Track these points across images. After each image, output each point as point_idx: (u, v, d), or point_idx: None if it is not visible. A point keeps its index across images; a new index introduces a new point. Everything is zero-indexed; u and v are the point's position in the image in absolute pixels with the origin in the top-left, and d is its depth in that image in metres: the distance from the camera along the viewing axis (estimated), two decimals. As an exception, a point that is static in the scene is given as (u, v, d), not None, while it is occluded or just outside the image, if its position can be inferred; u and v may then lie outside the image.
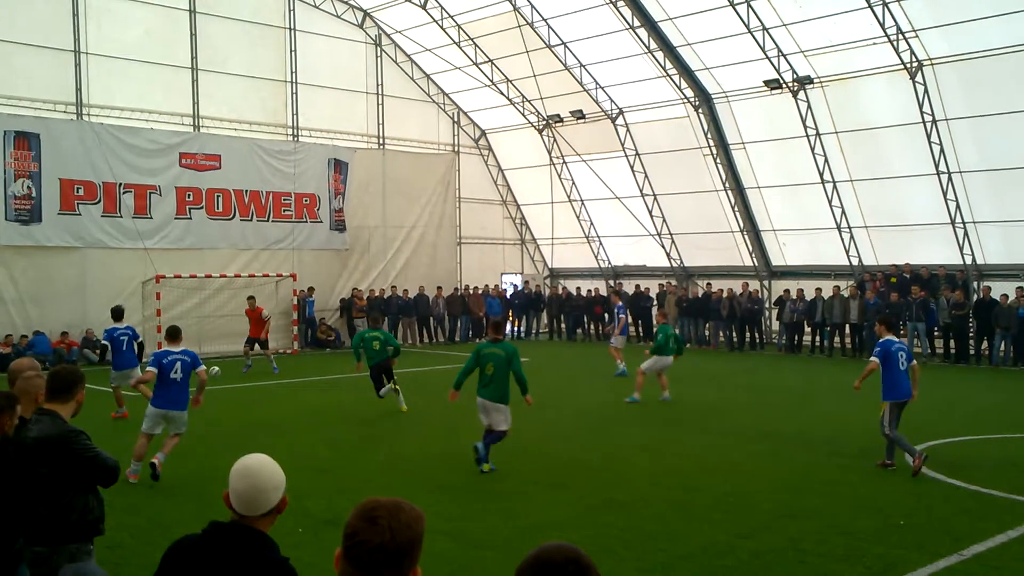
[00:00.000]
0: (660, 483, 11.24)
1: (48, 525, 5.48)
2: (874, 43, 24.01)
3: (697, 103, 28.62)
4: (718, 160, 28.94)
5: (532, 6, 28.97)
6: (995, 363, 23.90)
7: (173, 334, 12.08)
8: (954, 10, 22.50)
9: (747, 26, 25.17)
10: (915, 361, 12.03)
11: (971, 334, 24.76)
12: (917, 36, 23.42)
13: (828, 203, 26.90)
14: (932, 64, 23.74)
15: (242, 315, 27.37)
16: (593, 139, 32.04)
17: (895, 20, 23.25)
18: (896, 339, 12.13)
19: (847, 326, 26.37)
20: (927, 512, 9.84)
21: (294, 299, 28.90)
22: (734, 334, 28.81)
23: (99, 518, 5.73)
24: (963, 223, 24.79)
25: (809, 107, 26.23)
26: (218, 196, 27.69)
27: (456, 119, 34.87)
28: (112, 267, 25.56)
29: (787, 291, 27.79)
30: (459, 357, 26.63)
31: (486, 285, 33.58)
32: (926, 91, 23.89)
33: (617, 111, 31.10)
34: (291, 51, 29.92)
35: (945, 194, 24.54)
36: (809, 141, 26.45)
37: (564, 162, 33.85)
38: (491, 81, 32.65)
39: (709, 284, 30.22)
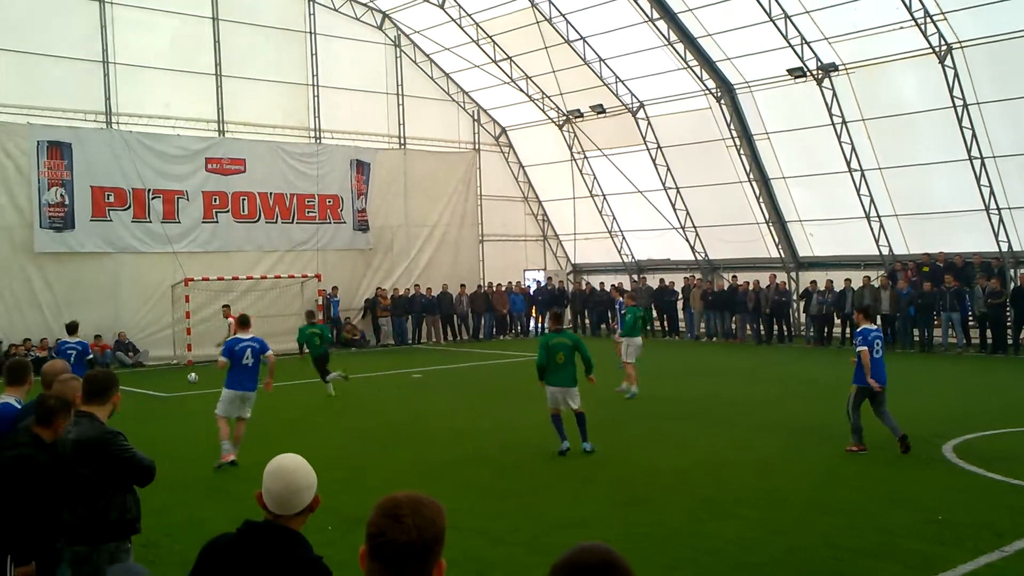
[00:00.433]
0: (686, 478, 11.21)
1: (88, 525, 5.64)
2: (901, 27, 23.61)
3: (719, 94, 28.50)
4: (741, 151, 28.80)
5: (550, 2, 29.00)
6: (1034, 352, 23.42)
7: (244, 322, 12.97)
8: (983, -10, 22.09)
9: (769, 14, 25.04)
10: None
11: (1008, 323, 24.17)
12: (945, 18, 22.97)
13: (856, 192, 26.62)
14: (962, 47, 23.28)
15: (270, 316, 27.69)
16: (614, 133, 31.99)
17: (922, 3, 22.82)
18: (873, 327, 12.59)
19: (878, 317, 26.04)
20: (965, 507, 9.56)
21: (319, 299, 29.14)
22: (761, 327, 28.67)
23: (136, 517, 5.88)
24: (997, 209, 24.26)
25: (834, 95, 26.00)
26: (243, 199, 27.97)
27: (476, 117, 34.96)
28: (142, 271, 25.95)
29: (814, 282, 27.52)
30: (483, 354, 26.80)
31: (509, 282, 33.67)
32: (956, 75, 23.45)
33: (638, 104, 31.05)
34: (312, 55, 30.14)
35: (978, 180, 24.09)
36: (835, 129, 26.23)
37: (585, 157, 33.83)
38: (510, 78, 32.71)
39: (735, 277, 30.09)
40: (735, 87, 28.34)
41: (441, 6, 30.56)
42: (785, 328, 28.49)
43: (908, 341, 25.45)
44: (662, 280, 31.66)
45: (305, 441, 13.90)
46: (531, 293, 34.38)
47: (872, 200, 26.61)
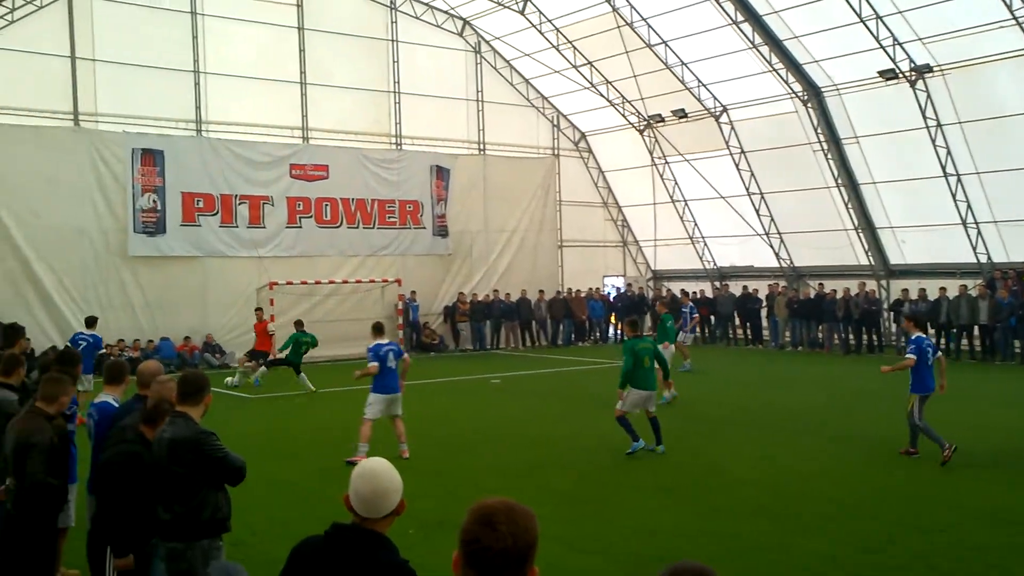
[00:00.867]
0: (770, 490, 10.93)
1: (183, 522, 5.79)
2: (1000, 26, 22.67)
3: (806, 97, 27.89)
4: (829, 156, 28.11)
5: (631, 6, 28.78)
6: None
7: (380, 329, 13.47)
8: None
9: (859, 15, 24.40)
10: (940, 354, 12.84)
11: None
12: (1050, 16, 22.12)
13: (952, 197, 25.62)
14: (1067, 45, 22.32)
15: (351, 320, 28.06)
16: (696, 138, 31.58)
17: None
18: (924, 335, 12.83)
19: (975, 327, 25.11)
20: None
21: (399, 304, 29.37)
22: (850, 336, 27.90)
23: (227, 516, 6.01)
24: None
25: (928, 97, 25.15)
26: (326, 205, 28.39)
27: (556, 122, 34.89)
28: (229, 275, 26.55)
29: (906, 291, 26.65)
30: (561, 360, 26.68)
31: (589, 288, 33.48)
32: (1060, 75, 22.56)
33: (721, 109, 30.60)
34: (394, 62, 30.47)
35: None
36: (929, 133, 25.38)
37: (666, 162, 33.46)
38: (590, 83, 32.56)
39: (821, 284, 29.34)
40: (823, 90, 27.70)
41: (521, 12, 30.60)
42: (875, 338, 27.69)
43: (1009, 353, 24.48)
44: (745, 287, 31.11)
45: (385, 445, 13.98)
46: (610, 299, 34.14)
47: (969, 206, 25.62)
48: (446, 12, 31.62)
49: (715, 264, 33.86)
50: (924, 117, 25.31)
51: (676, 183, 33.55)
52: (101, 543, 6.11)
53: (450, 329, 30.90)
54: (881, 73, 25.56)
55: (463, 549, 2.56)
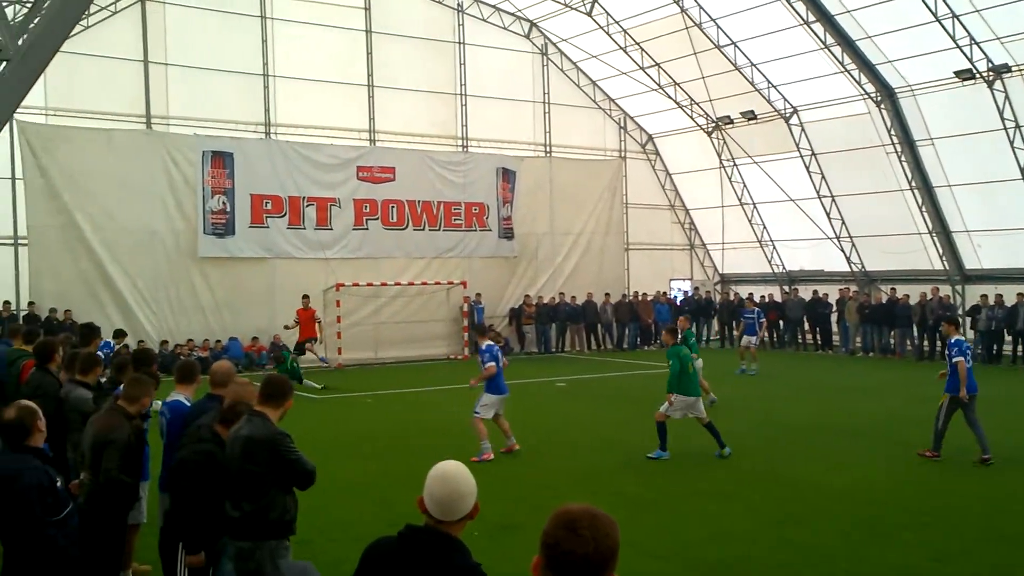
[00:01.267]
0: (843, 497, 10.71)
1: (251, 521, 5.84)
2: (1087, 23, 22.08)
3: (879, 98, 27.28)
4: (903, 158, 27.45)
5: (700, 7, 28.47)
6: None
7: (486, 331, 14.27)
8: None
9: (934, 14, 23.78)
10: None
11: None
12: None
13: (1031, 200, 24.90)
14: None
15: (416, 322, 28.21)
16: (765, 140, 31.12)
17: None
18: (963, 338, 13.12)
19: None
20: None
21: (464, 306, 29.45)
22: (925, 342, 27.18)
23: (294, 518, 6.07)
24: None
25: (1007, 98, 24.38)
26: (392, 207, 28.58)
27: (623, 124, 34.68)
28: (297, 276, 26.82)
29: (984, 296, 25.91)
30: (627, 364, 26.47)
31: (655, 291, 33.19)
32: None
33: (791, 110, 30.09)
34: (460, 64, 30.58)
35: None
36: (1008, 134, 24.60)
37: (735, 164, 33.03)
38: (658, 85, 32.29)
39: (893, 289, 28.66)
40: (896, 91, 27.06)
41: (589, 14, 30.48)
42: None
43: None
44: (815, 292, 30.54)
45: (450, 446, 13.98)
46: (677, 303, 33.79)
47: (1049, 209, 24.82)
48: (513, 14, 31.65)
49: (784, 268, 33.31)
50: (1002, 118, 24.56)
51: (744, 185, 33.10)
52: (173, 540, 6.20)
53: (515, 331, 30.87)
54: (957, 73, 24.90)
55: (545, 553, 2.57)
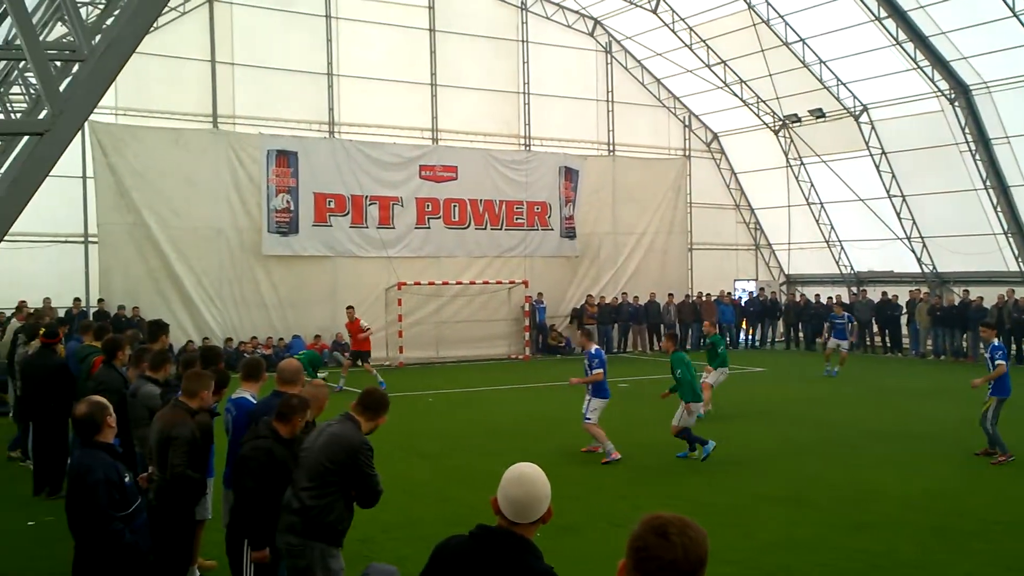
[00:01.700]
0: (914, 505, 10.44)
1: (308, 517, 5.85)
2: None
3: (953, 96, 26.57)
4: (977, 156, 26.71)
5: (768, 3, 28.02)
6: None
7: (591, 335, 14.23)
8: None
9: (1012, 9, 23.08)
10: None
11: None
12: None
13: (1111, 200, 24.05)
14: None
15: (477, 321, 28.21)
16: (834, 138, 30.51)
17: None
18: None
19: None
20: None
21: (525, 305, 29.38)
22: (1001, 346, 26.37)
23: (345, 531, 6.06)
24: None
25: (1086, 95, 23.66)
26: (454, 206, 28.63)
27: (687, 123, 34.31)
28: (359, 275, 27.03)
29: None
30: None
31: (719, 291, 32.77)
32: None
33: (861, 108, 29.46)
34: (523, 63, 30.54)
35: None
36: (1086, 133, 23.85)
37: (802, 163, 32.45)
38: (724, 83, 31.87)
39: (966, 291, 27.89)
40: (971, 88, 26.33)
41: (654, 11, 30.20)
42: (1024, 348, 26.16)
43: None
44: (884, 293, 29.86)
45: (510, 447, 13.95)
46: (741, 304, 33.32)
47: None
48: (577, 12, 31.51)
49: (852, 269, 32.64)
50: (1083, 116, 23.75)
51: (812, 185, 32.51)
52: (239, 537, 6.24)
53: (577, 331, 30.68)
54: (1036, 70, 24.15)
55: (633, 556, 2.57)
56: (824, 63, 28.98)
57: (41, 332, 11.97)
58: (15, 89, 16.61)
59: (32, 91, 15.99)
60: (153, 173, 24.40)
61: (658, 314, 31.11)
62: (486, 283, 28.95)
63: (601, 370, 13.03)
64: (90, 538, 5.42)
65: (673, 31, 30.58)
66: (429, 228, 28.27)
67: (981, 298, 26.65)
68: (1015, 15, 23.19)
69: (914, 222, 29.42)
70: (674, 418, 13.24)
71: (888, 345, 29.74)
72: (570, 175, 30.52)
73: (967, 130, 26.59)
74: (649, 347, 31.08)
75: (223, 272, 25.51)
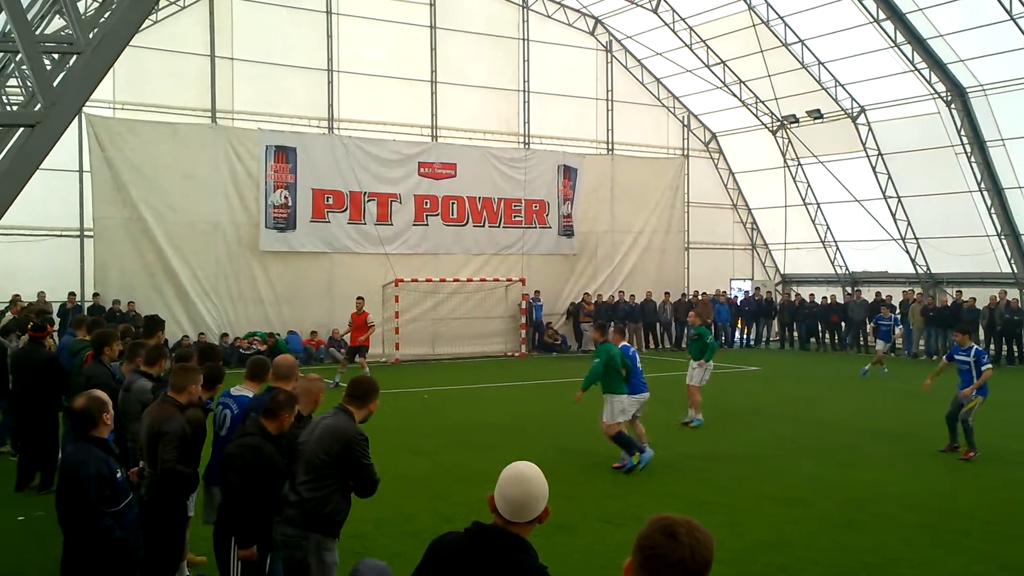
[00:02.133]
0: (907, 504, 10.49)
1: (305, 509, 5.89)
2: None
3: (949, 98, 26.63)
4: (972, 159, 26.78)
5: (768, 4, 28.06)
6: None
7: (622, 331, 13.69)
8: None
9: (1009, 13, 23.14)
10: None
11: None
12: None
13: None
14: None
15: (474, 318, 28.17)
16: (831, 139, 30.58)
17: None
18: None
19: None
20: None
21: (522, 303, 29.40)
22: (991, 347, 26.46)
23: (342, 522, 6.09)
24: None
25: (1082, 99, 23.72)
26: (453, 203, 28.64)
27: (686, 122, 34.35)
28: (356, 271, 27.02)
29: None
30: (684, 364, 26.10)
31: (715, 290, 32.83)
32: None
33: (858, 109, 29.52)
34: (524, 61, 30.55)
35: None
36: (1081, 136, 23.91)
37: (799, 164, 32.51)
38: (723, 83, 31.91)
39: (959, 292, 27.98)
40: (968, 90, 26.39)
41: (654, 11, 30.22)
42: (1016, 349, 26.22)
43: None
44: (878, 293, 29.94)
45: (508, 446, 13.98)
46: (737, 303, 33.39)
47: (1126, 213, 24.02)
48: (578, 11, 31.53)
49: (847, 269, 32.73)
50: (1078, 119, 23.81)
51: (809, 185, 32.57)
52: (226, 535, 6.25)
53: (573, 329, 30.76)
54: (1032, 73, 24.22)
55: (640, 555, 2.60)
56: (823, 64, 29.05)
57: (29, 326, 11.97)
58: (12, 81, 16.59)
59: (28, 84, 15.97)
60: (150, 167, 24.37)
61: (654, 313, 31.17)
62: (483, 280, 28.98)
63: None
64: (80, 533, 5.42)
65: (673, 31, 30.61)
66: (427, 225, 28.28)
67: (973, 299, 26.76)
68: (1012, 19, 23.25)
69: (909, 223, 29.52)
70: (603, 414, 12.31)
71: (894, 346, 29.76)
72: (569, 173, 30.54)
73: (963, 132, 26.67)
74: (645, 345, 31.11)
75: (220, 267, 25.50)
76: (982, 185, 26.89)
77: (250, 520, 6.05)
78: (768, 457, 13.06)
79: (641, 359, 13.34)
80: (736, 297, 34.02)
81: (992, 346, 26.46)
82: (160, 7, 24.86)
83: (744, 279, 35.49)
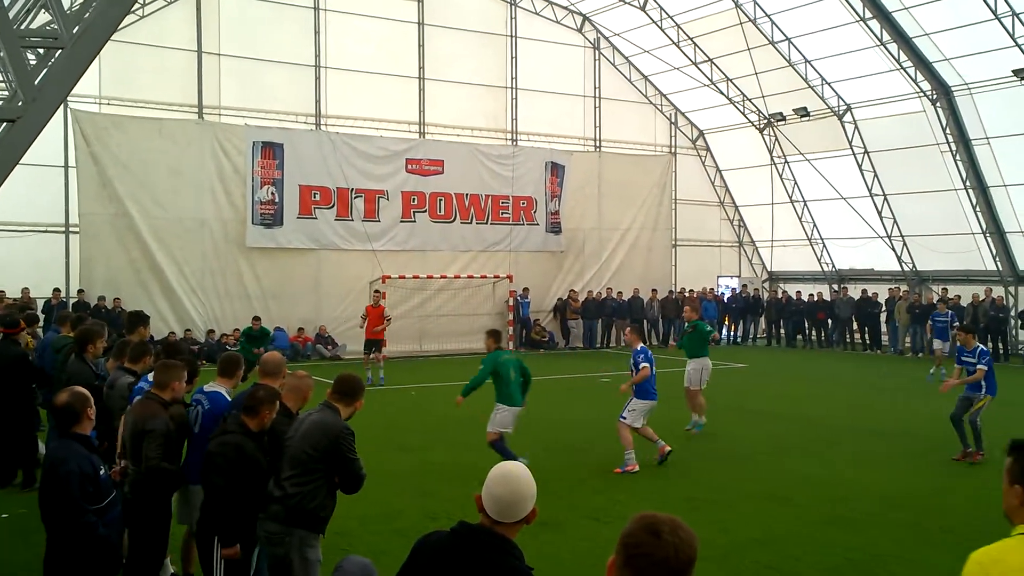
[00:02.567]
0: (891, 501, 10.54)
1: (290, 504, 5.87)
2: None
3: (935, 96, 26.76)
4: (957, 157, 26.92)
5: (755, 3, 28.11)
6: None
7: (640, 332, 13.48)
8: None
9: (994, 12, 23.26)
10: None
11: None
12: None
13: (1090, 202, 24.30)
14: None
15: (461, 315, 28.13)
16: (818, 137, 30.68)
17: None
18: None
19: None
20: None
21: (510, 300, 29.40)
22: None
23: (328, 518, 6.07)
24: None
25: (1066, 98, 23.86)
26: (440, 200, 28.60)
27: (673, 120, 34.39)
28: (343, 267, 26.98)
29: (958, 295, 25.43)
30: (672, 360, 26.22)
31: (703, 288, 32.90)
32: None
33: (844, 107, 29.62)
34: (512, 58, 30.52)
35: None
36: (1065, 135, 24.06)
37: (786, 162, 32.61)
38: (710, 80, 31.96)
39: (944, 289, 28.13)
40: (953, 89, 26.52)
41: (642, 8, 30.24)
42: (1001, 346, 26.39)
43: None
44: (864, 291, 30.10)
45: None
46: (725, 300, 33.47)
47: (1109, 211, 24.20)
48: (565, 8, 31.51)
49: (834, 266, 32.86)
50: (1063, 117, 23.97)
51: (796, 183, 32.68)
52: (208, 533, 6.22)
53: (560, 326, 30.77)
54: (1016, 72, 24.43)
55: (623, 553, 2.61)
56: (809, 62, 29.13)
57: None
58: (-3, 77, 16.48)
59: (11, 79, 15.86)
60: (136, 163, 24.27)
61: (641, 310, 31.21)
62: (471, 277, 28.95)
63: (647, 365, 12.40)
64: (62, 530, 5.39)
65: (661, 28, 30.64)
66: (414, 222, 28.23)
67: (959, 297, 26.89)
68: (997, 18, 23.37)
69: (895, 221, 29.65)
70: (490, 423, 11.88)
71: (867, 342, 29.94)
72: (556, 170, 30.54)
73: (948, 130, 26.81)
74: (632, 343, 31.13)
75: (206, 263, 25.40)
76: (967, 183, 27.04)
77: (233, 518, 6.01)
78: (755, 454, 13.11)
79: (627, 356, 13.30)
80: (723, 294, 34.12)
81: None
82: (147, 2, 24.76)
83: (731, 276, 35.58)
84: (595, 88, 32.40)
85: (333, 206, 26.93)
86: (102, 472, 5.59)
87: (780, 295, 33.13)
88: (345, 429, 5.96)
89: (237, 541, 6.02)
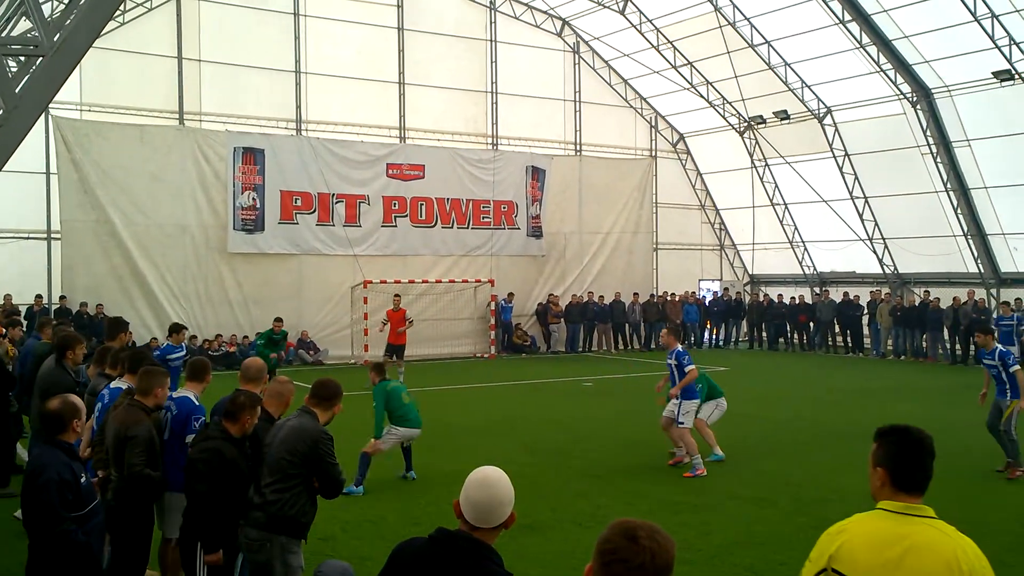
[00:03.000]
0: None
1: (270, 511, 5.85)
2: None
3: (915, 99, 26.94)
4: (938, 159, 27.09)
5: (734, 6, 28.24)
6: None
7: (677, 333, 13.41)
8: None
9: (973, 14, 23.44)
10: None
11: None
12: None
13: (1069, 204, 24.50)
14: None
15: (443, 319, 28.11)
16: (798, 140, 30.82)
17: None
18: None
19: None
20: None
21: (491, 304, 29.39)
22: (958, 346, 26.80)
23: (308, 524, 6.05)
24: None
25: (1046, 99, 24.05)
26: (421, 204, 28.59)
27: (654, 123, 34.49)
28: (325, 273, 26.94)
29: (1019, 300, 25.45)
30: (653, 364, 26.30)
31: (684, 291, 33.01)
32: None
33: (825, 110, 29.79)
34: (492, 62, 30.55)
35: None
36: (1045, 137, 24.24)
37: (767, 165, 32.75)
38: (690, 84, 32.08)
39: (926, 292, 28.31)
40: (933, 91, 26.70)
41: (622, 12, 30.34)
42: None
43: None
44: (846, 294, 30.26)
45: (474, 445, 13.97)
46: (706, 304, 33.58)
47: (1088, 213, 24.41)
48: (545, 12, 31.57)
49: (815, 269, 33.01)
50: (1041, 120, 24.17)
51: (776, 186, 32.82)
52: (191, 539, 6.20)
53: (542, 330, 30.80)
54: (996, 74, 24.55)
55: (600, 559, 2.62)
56: (789, 65, 29.26)
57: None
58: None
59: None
60: (118, 169, 24.19)
61: (623, 313, 31.28)
62: (452, 282, 28.97)
63: (694, 367, 12.23)
64: (41, 537, 5.37)
65: (640, 32, 30.74)
66: (396, 227, 28.21)
67: (939, 299, 27.05)
68: (976, 20, 23.55)
69: (876, 223, 29.81)
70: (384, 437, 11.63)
71: (849, 345, 30.10)
72: (537, 174, 30.59)
73: (928, 133, 26.96)
74: (614, 346, 31.24)
75: (188, 269, 25.32)
76: (948, 185, 27.18)
77: (215, 524, 5.99)
78: (737, 457, 13.13)
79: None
80: (705, 298, 34.22)
81: (959, 346, 26.83)
82: (127, 8, 24.62)
83: (712, 280, 35.70)
84: (575, 92, 32.46)
85: (314, 211, 26.87)
86: (83, 479, 5.56)
87: (762, 298, 33.28)
88: (323, 434, 5.95)
89: (220, 547, 6.00)
